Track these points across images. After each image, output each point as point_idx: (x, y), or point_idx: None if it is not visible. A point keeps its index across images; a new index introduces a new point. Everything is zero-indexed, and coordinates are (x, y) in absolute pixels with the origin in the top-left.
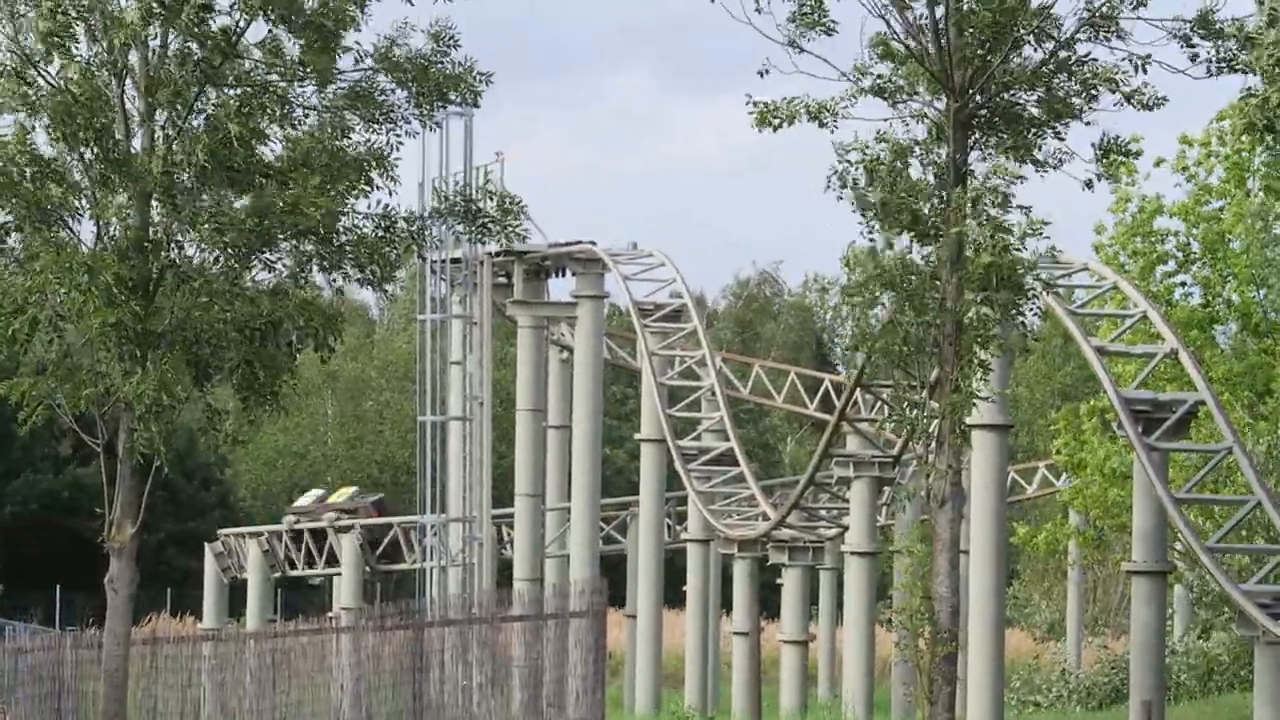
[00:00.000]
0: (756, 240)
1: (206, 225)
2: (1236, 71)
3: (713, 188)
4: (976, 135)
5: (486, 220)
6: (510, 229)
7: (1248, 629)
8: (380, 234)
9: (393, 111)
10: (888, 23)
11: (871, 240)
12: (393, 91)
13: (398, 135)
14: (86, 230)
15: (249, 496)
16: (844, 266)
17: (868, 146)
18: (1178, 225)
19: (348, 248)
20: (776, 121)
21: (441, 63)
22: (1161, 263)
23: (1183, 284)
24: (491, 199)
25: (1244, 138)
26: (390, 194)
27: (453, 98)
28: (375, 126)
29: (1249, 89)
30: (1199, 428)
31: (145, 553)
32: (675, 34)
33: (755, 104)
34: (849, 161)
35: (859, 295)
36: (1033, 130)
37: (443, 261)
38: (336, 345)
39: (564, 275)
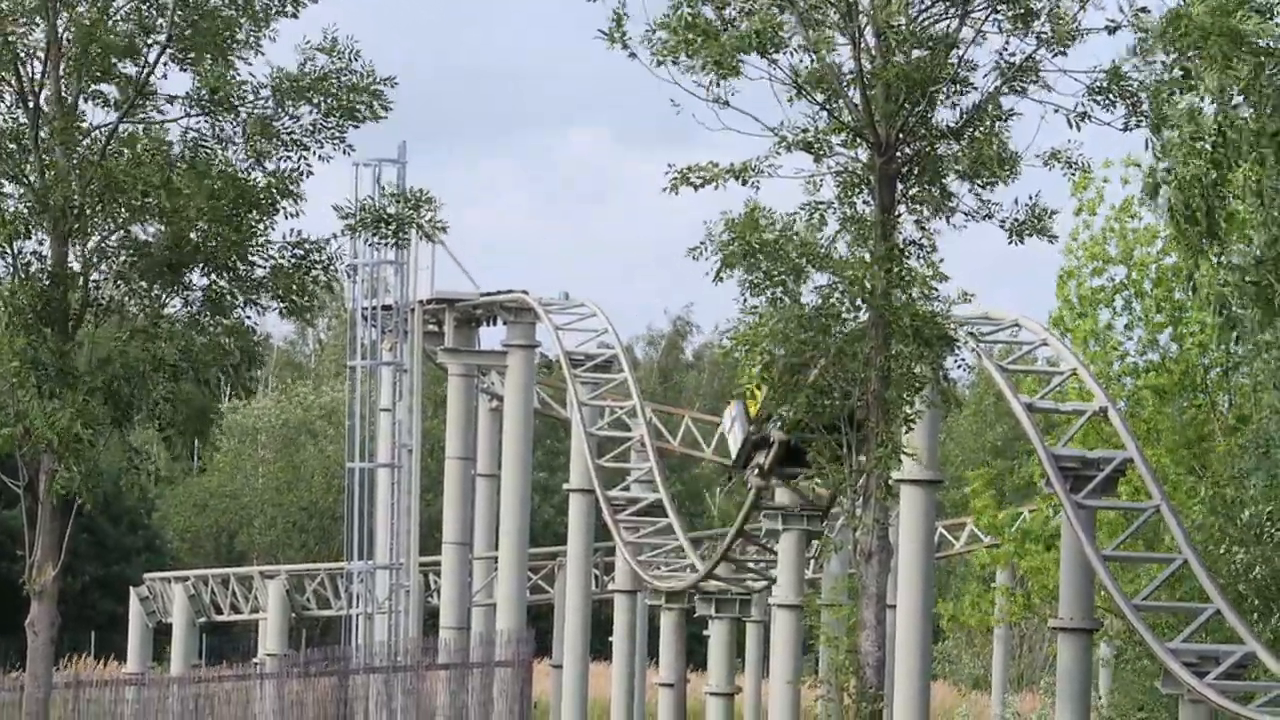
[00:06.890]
0: (677, 289)
1: (119, 258)
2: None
3: (649, 244)
4: (901, 188)
5: (401, 221)
6: (426, 221)
7: (1173, 687)
8: (296, 262)
9: (303, 135)
10: (803, 88)
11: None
12: (296, 111)
13: (308, 160)
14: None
15: (176, 540)
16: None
17: (743, 228)
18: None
19: (265, 281)
20: (698, 182)
21: (341, 75)
22: (1106, 304)
23: (1126, 327)
24: (397, 202)
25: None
26: (293, 215)
27: (360, 110)
28: (287, 154)
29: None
30: (1129, 484)
31: (70, 597)
32: (624, 95)
33: (671, 168)
34: (728, 248)
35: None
36: (958, 181)
37: (374, 308)
38: (256, 380)
39: (495, 324)
